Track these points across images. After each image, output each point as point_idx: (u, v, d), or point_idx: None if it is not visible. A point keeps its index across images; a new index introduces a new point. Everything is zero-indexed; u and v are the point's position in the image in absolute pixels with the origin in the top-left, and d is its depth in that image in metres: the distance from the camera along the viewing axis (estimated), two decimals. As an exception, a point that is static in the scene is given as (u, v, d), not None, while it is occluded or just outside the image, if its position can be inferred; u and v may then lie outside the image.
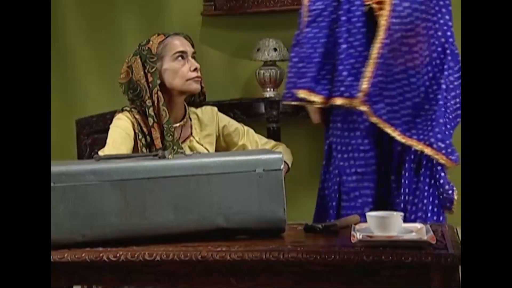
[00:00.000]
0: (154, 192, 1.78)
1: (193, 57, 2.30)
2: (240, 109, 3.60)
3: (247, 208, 1.80)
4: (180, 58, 2.27)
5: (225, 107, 3.57)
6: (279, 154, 1.84)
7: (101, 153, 2.17)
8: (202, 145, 2.35)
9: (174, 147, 2.18)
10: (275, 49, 3.67)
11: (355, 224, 1.87)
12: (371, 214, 1.77)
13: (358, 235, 1.71)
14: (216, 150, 2.40)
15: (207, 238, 1.77)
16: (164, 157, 1.84)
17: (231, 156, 1.85)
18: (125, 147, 2.20)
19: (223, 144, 2.42)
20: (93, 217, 1.77)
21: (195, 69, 2.27)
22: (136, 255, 1.71)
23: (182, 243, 1.75)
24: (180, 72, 2.26)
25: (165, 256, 1.70)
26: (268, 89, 3.72)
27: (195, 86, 2.28)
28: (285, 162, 2.36)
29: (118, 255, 1.71)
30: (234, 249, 1.69)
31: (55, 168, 1.76)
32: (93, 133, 2.58)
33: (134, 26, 3.92)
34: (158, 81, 2.24)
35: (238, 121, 2.54)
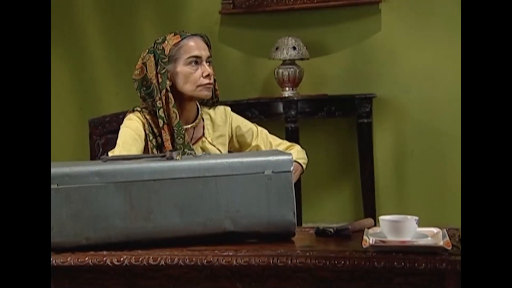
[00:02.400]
0: (160, 194, 1.73)
1: (208, 62, 2.23)
2: (258, 109, 3.56)
3: (256, 211, 1.75)
4: (193, 63, 2.20)
5: (242, 107, 3.54)
6: (289, 155, 1.78)
7: (111, 154, 2.14)
8: (214, 146, 2.30)
9: (185, 150, 2.13)
10: (294, 48, 3.63)
11: (369, 228, 1.81)
12: (384, 218, 1.70)
13: (370, 240, 1.65)
14: (229, 151, 2.35)
15: (214, 242, 1.72)
16: (171, 158, 1.79)
17: (239, 158, 1.79)
18: (136, 148, 2.15)
19: (236, 144, 2.36)
20: (97, 219, 1.72)
21: (208, 75, 2.20)
22: (140, 259, 1.66)
23: (188, 247, 1.70)
24: (192, 77, 2.19)
25: (169, 260, 1.65)
26: (287, 89, 3.67)
27: (205, 93, 2.21)
28: (299, 163, 2.30)
29: (121, 259, 1.67)
30: (241, 254, 1.64)
31: (59, 169, 1.72)
32: (106, 133, 2.53)
33: (152, 25, 3.90)
34: (169, 83, 2.18)
35: (256, 121, 2.48)
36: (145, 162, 1.78)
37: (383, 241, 1.65)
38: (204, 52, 2.21)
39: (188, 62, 2.19)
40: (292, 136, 3.36)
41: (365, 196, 3.71)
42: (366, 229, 1.78)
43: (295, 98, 3.57)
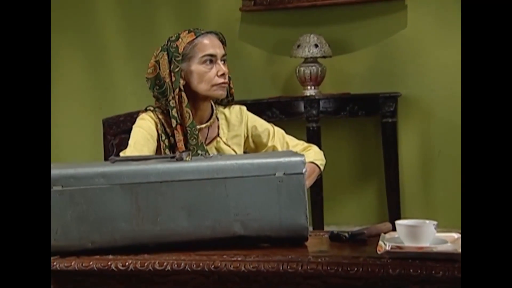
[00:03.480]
0: (167, 196, 1.68)
1: (223, 60, 2.16)
2: (279, 108, 3.49)
3: (266, 214, 1.68)
4: (208, 62, 2.13)
5: (263, 106, 3.48)
6: (301, 156, 1.71)
7: (122, 154, 2.09)
8: (229, 146, 2.23)
9: (198, 151, 2.06)
10: (316, 45, 3.56)
11: (385, 232, 1.73)
12: (400, 223, 1.63)
13: (386, 246, 1.57)
14: (244, 152, 2.29)
15: (223, 246, 1.67)
16: (181, 159, 1.73)
17: (250, 159, 1.72)
18: (148, 149, 2.10)
19: (252, 145, 2.29)
20: (103, 222, 1.67)
21: (223, 74, 2.14)
22: (146, 264, 1.61)
23: (196, 252, 1.65)
24: (207, 77, 2.13)
25: (176, 265, 1.60)
26: (309, 87, 3.61)
27: (220, 93, 2.15)
28: (316, 165, 2.23)
29: (127, 263, 1.62)
30: (250, 259, 1.58)
31: (63, 171, 1.68)
32: (120, 133, 2.47)
33: (172, 24, 3.87)
34: (183, 82, 2.12)
35: (277, 121, 2.41)
36: (153, 163, 1.73)
37: (400, 247, 1.58)
38: (219, 51, 2.15)
39: (202, 60, 2.13)
40: (313, 136, 3.30)
41: (390, 198, 3.62)
42: (382, 234, 1.70)
43: (316, 97, 3.50)
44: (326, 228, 3.50)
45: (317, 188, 3.40)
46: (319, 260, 1.55)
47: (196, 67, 2.13)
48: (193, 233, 1.68)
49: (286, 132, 2.33)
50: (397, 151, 3.66)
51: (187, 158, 1.75)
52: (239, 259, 1.59)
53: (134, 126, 2.17)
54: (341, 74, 3.79)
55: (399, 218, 3.46)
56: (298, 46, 3.59)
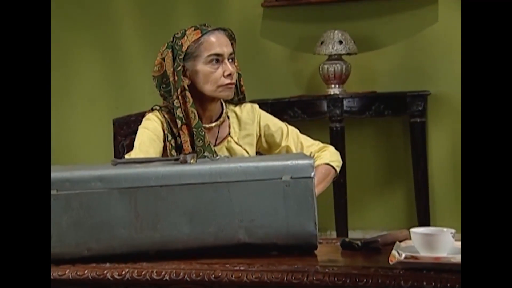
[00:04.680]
0: (168, 201, 1.60)
1: (231, 59, 2.06)
2: (300, 107, 3.39)
3: (272, 221, 1.59)
4: (214, 61, 2.03)
5: (284, 105, 3.38)
6: (309, 159, 1.61)
7: (127, 156, 2.02)
8: (241, 146, 2.14)
9: (205, 153, 1.97)
10: (340, 42, 3.46)
11: (401, 241, 1.62)
12: (415, 231, 1.51)
13: (400, 255, 1.46)
14: (257, 152, 2.19)
15: (227, 254, 1.58)
16: (185, 162, 1.64)
17: (255, 162, 1.63)
18: (154, 150, 2.02)
19: (265, 145, 2.20)
20: (100, 229, 1.60)
21: (229, 75, 2.04)
22: (143, 273, 1.53)
23: (198, 260, 1.56)
24: (213, 77, 2.03)
25: (174, 275, 1.51)
26: (333, 86, 3.51)
27: (226, 94, 2.05)
28: (332, 166, 2.12)
29: (123, 272, 1.54)
30: (253, 269, 1.49)
31: (58, 174, 1.61)
32: (131, 133, 2.39)
33: (192, 21, 3.76)
34: (188, 82, 2.04)
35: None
36: (154, 166, 1.65)
37: (414, 257, 1.46)
38: (226, 49, 2.05)
39: (208, 60, 2.03)
40: (337, 137, 3.19)
41: (419, 202, 3.50)
42: (397, 243, 1.59)
43: (340, 96, 3.39)
44: (350, 233, 3.39)
45: (341, 191, 3.29)
46: (326, 270, 1.46)
47: (201, 67, 2.04)
48: (195, 240, 1.60)
49: (309, 133, 2.23)
50: (426, 153, 3.54)
51: (192, 161, 1.66)
52: (242, 268, 1.50)
53: (140, 127, 2.11)
54: (366, 71, 3.68)
55: (429, 224, 3.33)
56: (322, 42, 3.49)
